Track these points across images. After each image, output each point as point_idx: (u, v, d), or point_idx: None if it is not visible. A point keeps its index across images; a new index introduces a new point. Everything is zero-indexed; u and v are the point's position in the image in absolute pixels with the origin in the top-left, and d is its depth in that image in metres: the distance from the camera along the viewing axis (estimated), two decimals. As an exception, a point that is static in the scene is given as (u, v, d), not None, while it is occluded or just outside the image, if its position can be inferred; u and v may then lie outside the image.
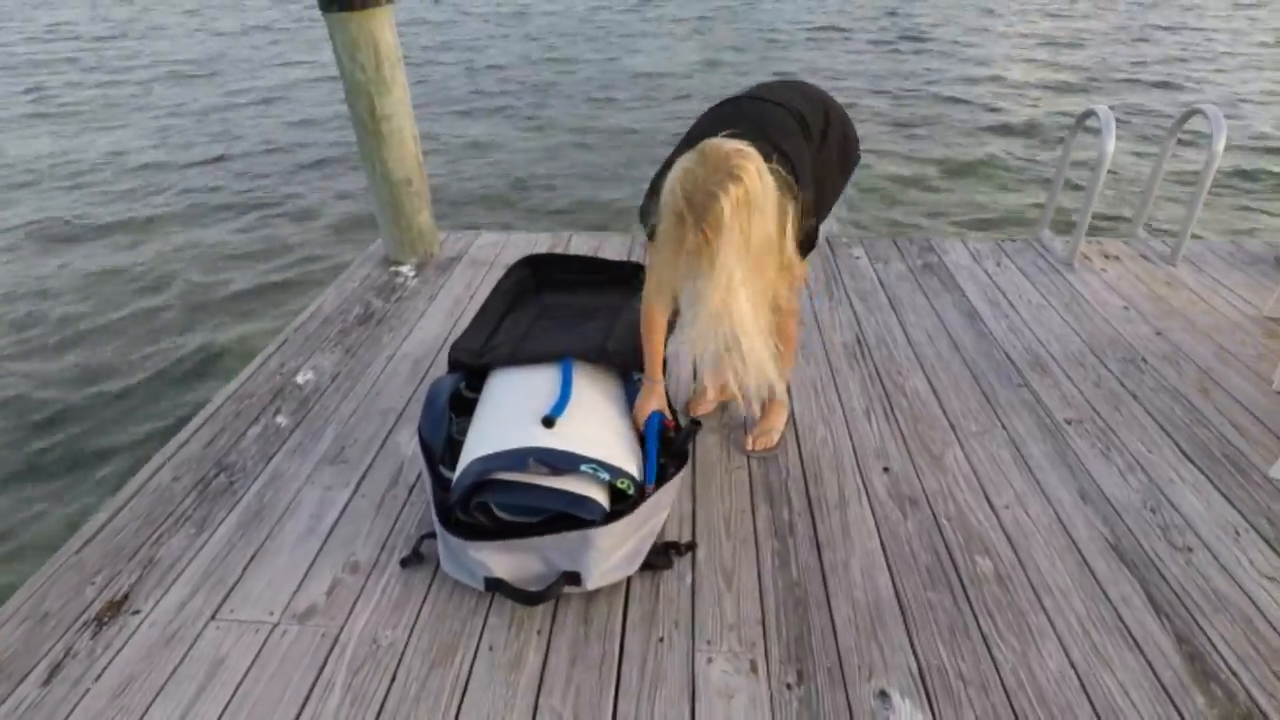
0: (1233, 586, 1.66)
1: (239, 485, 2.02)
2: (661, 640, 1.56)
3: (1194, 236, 3.16)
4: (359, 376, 2.49)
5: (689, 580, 1.71)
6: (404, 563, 1.75)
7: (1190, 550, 1.76)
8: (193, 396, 3.73)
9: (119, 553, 1.81)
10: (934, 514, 1.88)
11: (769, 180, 1.38)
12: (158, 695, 1.47)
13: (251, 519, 1.91)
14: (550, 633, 1.59)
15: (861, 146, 1.89)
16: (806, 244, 1.63)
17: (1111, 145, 2.86)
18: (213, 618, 1.64)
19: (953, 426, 2.19)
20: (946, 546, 1.78)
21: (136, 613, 1.65)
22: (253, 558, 1.79)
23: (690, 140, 1.55)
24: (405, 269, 3.21)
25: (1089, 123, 3.24)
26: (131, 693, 1.48)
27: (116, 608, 1.67)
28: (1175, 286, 2.95)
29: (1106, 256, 3.22)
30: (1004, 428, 2.18)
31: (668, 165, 1.47)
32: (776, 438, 2.12)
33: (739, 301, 1.40)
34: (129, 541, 1.84)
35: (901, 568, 1.73)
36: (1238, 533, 1.80)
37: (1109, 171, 3.33)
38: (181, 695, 1.47)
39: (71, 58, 12.85)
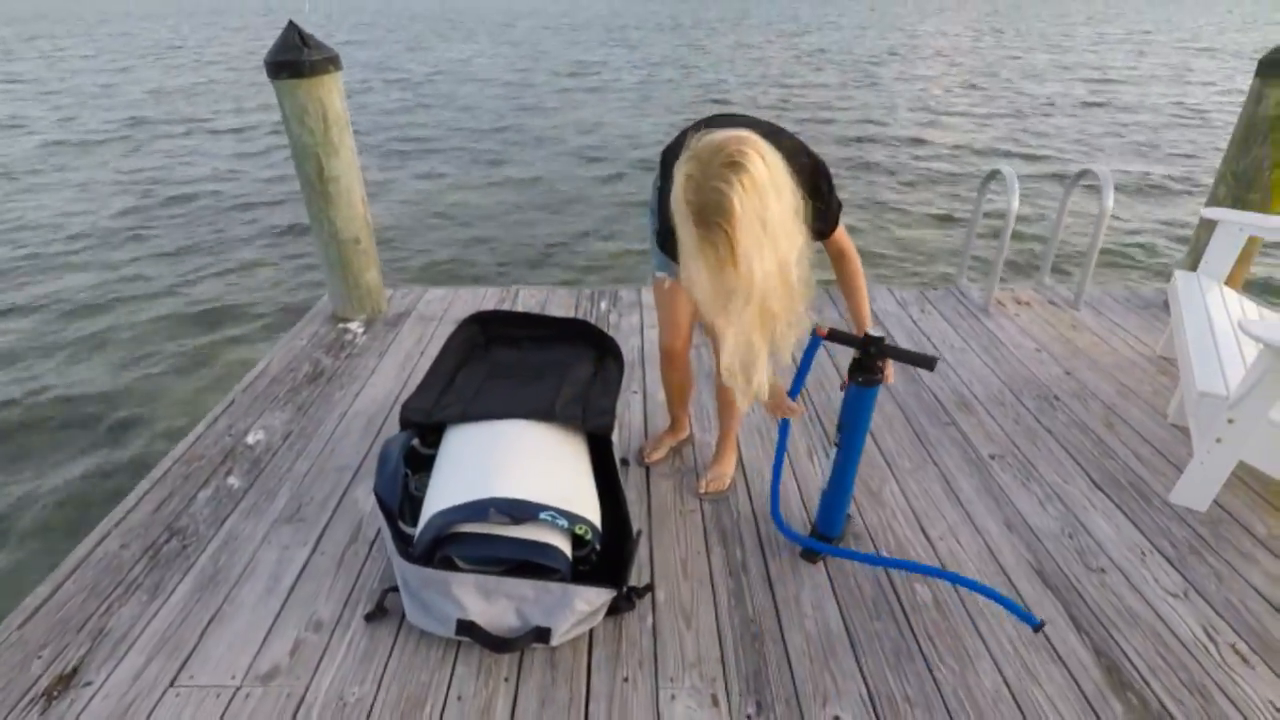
0: (1142, 603, 1.83)
1: (192, 549, 2.00)
2: (626, 680, 1.62)
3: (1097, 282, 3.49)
4: (311, 435, 2.49)
5: (650, 621, 1.77)
6: (368, 617, 1.76)
7: (1104, 571, 1.93)
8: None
9: (65, 625, 1.76)
10: (875, 547, 2.01)
11: (775, 158, 1.31)
12: (115, 768, 1.44)
13: (207, 583, 1.88)
14: (518, 679, 1.63)
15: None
16: (833, 208, 1.66)
17: (1015, 202, 3.16)
18: (171, 684, 1.61)
19: (889, 464, 2.34)
20: (889, 576, 1.91)
21: (89, 684, 1.61)
22: (210, 621, 1.77)
23: (667, 159, 1.56)
24: (354, 325, 3.24)
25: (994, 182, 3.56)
26: (86, 768, 1.44)
27: (66, 681, 1.62)
28: (1079, 329, 3.24)
29: (1019, 302, 3.51)
30: (935, 464, 2.35)
31: (661, 190, 1.50)
32: (727, 481, 2.22)
33: (772, 284, 1.36)
34: (75, 613, 1.79)
35: (848, 599, 1.84)
36: (1144, 554, 1.99)
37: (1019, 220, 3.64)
38: (140, 767, 1.44)
39: None
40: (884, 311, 3.41)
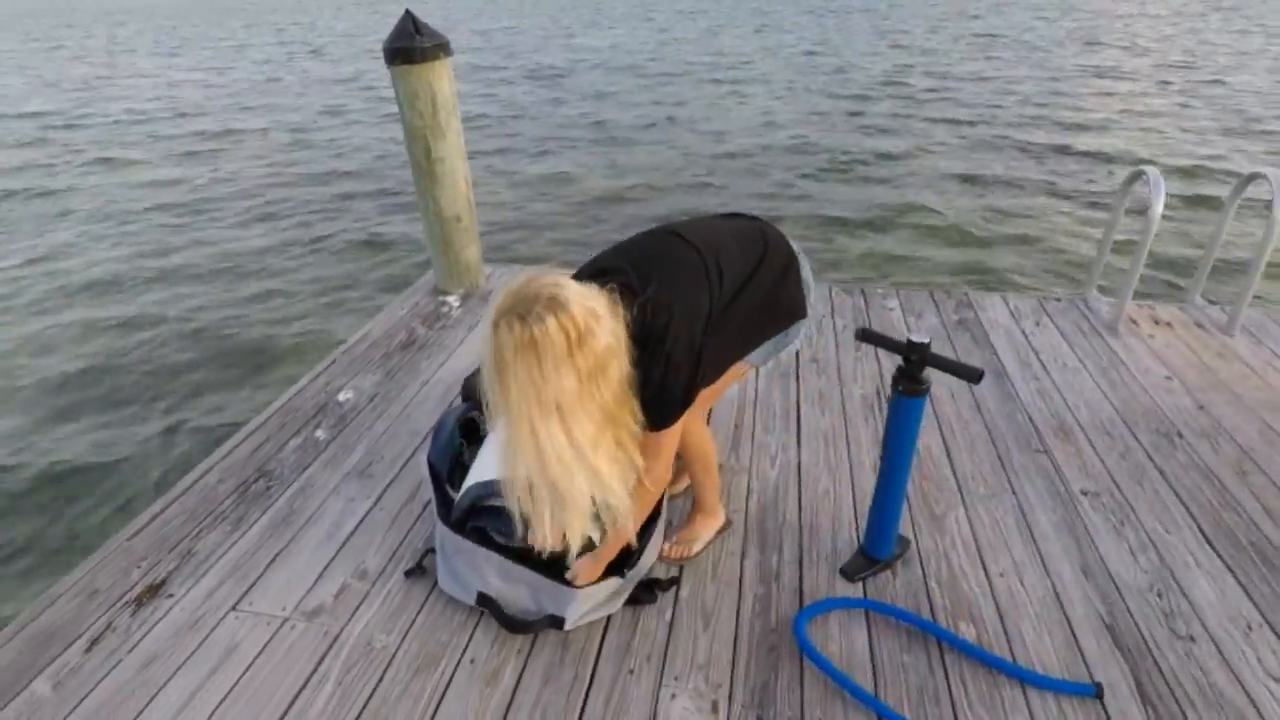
0: (1233, 683, 1.59)
1: (274, 490, 2.21)
2: (631, 672, 1.63)
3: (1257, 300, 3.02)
4: (394, 398, 2.67)
5: (669, 616, 1.76)
6: (408, 574, 1.88)
7: (1193, 640, 1.69)
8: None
9: (163, 543, 2.02)
10: (924, 575, 1.87)
11: (593, 338, 1.21)
12: (176, 672, 1.64)
13: (280, 522, 2.09)
14: (529, 653, 1.68)
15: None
16: (658, 405, 1.40)
17: (1159, 208, 2.78)
18: (233, 608, 1.81)
19: (960, 488, 2.17)
20: (931, 609, 1.78)
21: (170, 596, 1.84)
22: (276, 557, 1.96)
23: (582, 269, 1.48)
24: (451, 299, 3.42)
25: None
26: (155, 668, 1.65)
27: (154, 591, 1.86)
28: (1227, 358, 2.82)
29: (1156, 322, 3.10)
30: (1014, 493, 2.14)
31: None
32: (697, 548, 1.94)
33: (536, 450, 1.25)
34: (173, 533, 2.05)
35: (881, 625, 1.73)
36: (1250, 627, 1.72)
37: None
38: (196, 675, 1.63)
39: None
40: (992, 322, 3.14)
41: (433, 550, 1.90)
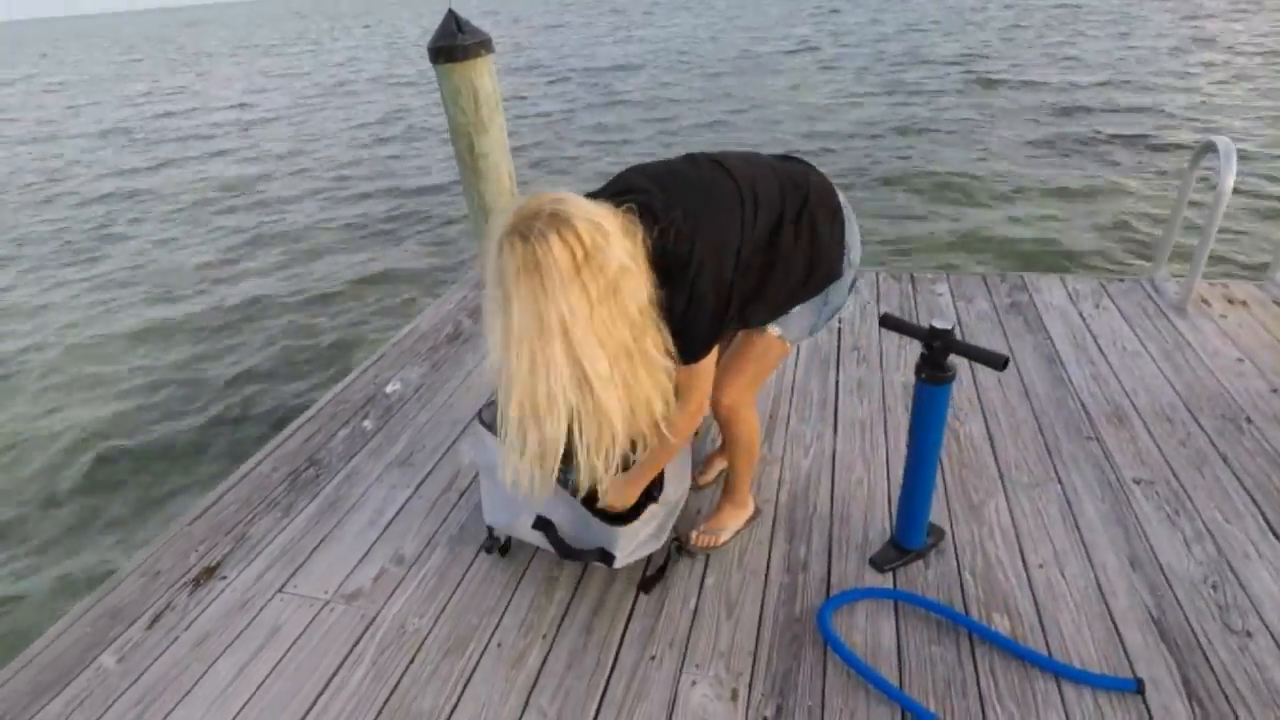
0: (1292, 680, 1.49)
1: (323, 479, 2.32)
2: (654, 658, 1.64)
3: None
4: (438, 389, 2.76)
5: (693, 604, 1.77)
6: (487, 549, 1.96)
7: (1249, 635, 1.59)
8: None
9: (220, 527, 2.15)
10: (959, 565, 1.82)
11: (602, 256, 1.14)
12: (225, 650, 1.74)
13: (327, 509, 2.19)
14: (554, 638, 1.71)
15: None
16: (682, 338, 1.32)
17: (1231, 181, 2.60)
18: (280, 590, 1.91)
19: (1001, 476, 2.09)
20: (964, 600, 1.72)
21: (224, 578, 1.96)
22: (321, 541, 2.06)
23: (603, 187, 1.41)
24: (496, 292, 3.49)
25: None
26: (207, 645, 1.76)
27: (210, 573, 1.99)
28: (1310, 338, 2.62)
29: (1230, 301, 2.90)
30: (1059, 482, 2.05)
31: None
32: (724, 538, 1.91)
33: (530, 380, 1.18)
34: (229, 519, 2.18)
35: (910, 615, 1.69)
36: (1315, 621, 1.60)
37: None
38: (244, 652, 1.74)
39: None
40: (1047, 305, 3.00)
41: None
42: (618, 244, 1.16)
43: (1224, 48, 12.34)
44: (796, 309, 1.57)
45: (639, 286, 1.20)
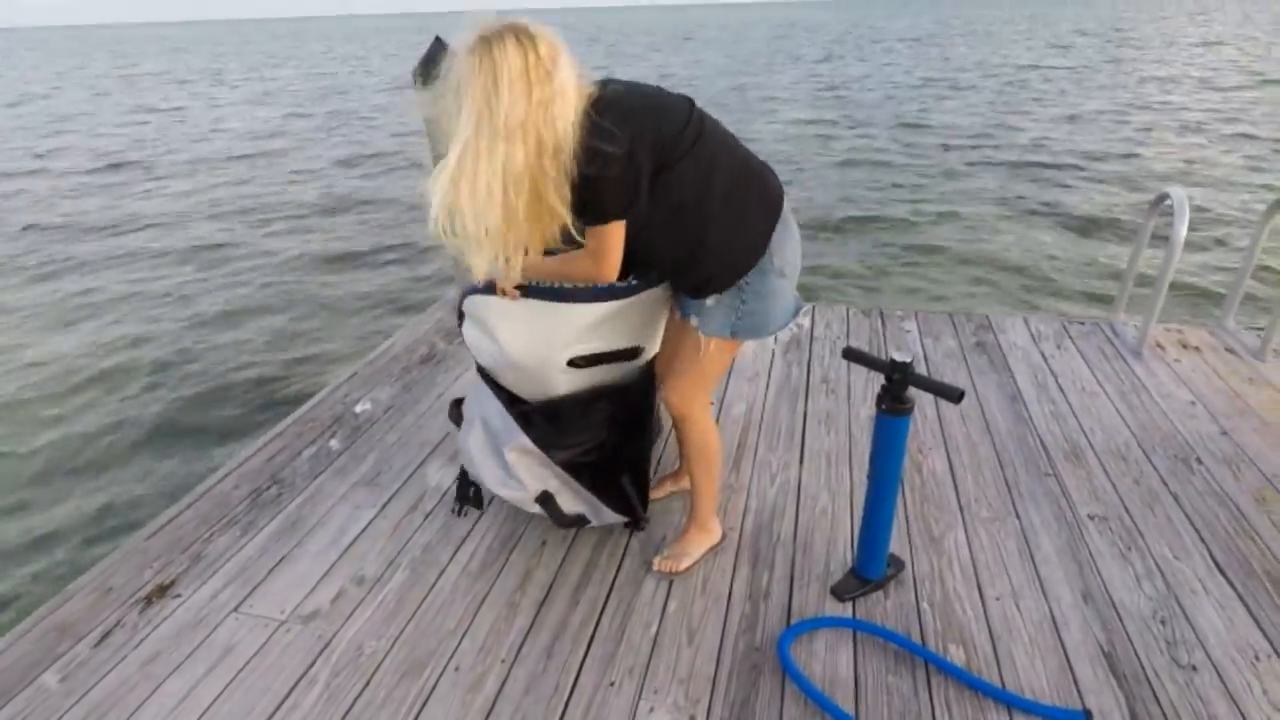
0: (1234, 714, 1.52)
1: (285, 497, 2.29)
2: (613, 684, 1.63)
3: (1291, 331, 2.90)
4: (408, 410, 2.75)
5: (654, 630, 1.77)
6: (457, 512, 2.09)
7: (1195, 670, 1.62)
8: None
9: (177, 544, 2.10)
10: (917, 596, 1.84)
11: (553, 69, 1.27)
12: (175, 670, 1.70)
13: (288, 528, 2.16)
14: (514, 662, 1.70)
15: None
16: (587, 197, 1.38)
17: (1183, 232, 2.71)
18: (235, 610, 1.87)
19: (962, 509, 2.13)
20: (922, 631, 1.74)
21: (178, 597, 1.92)
22: (280, 561, 2.03)
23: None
24: (472, 315, 3.50)
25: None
26: (157, 664, 1.72)
27: (164, 590, 1.94)
28: (1258, 384, 2.72)
29: (1185, 346, 3.01)
30: (1018, 516, 2.10)
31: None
32: (685, 564, 1.92)
33: (472, 174, 1.28)
34: (186, 535, 2.14)
35: (868, 645, 1.71)
36: (1258, 658, 1.64)
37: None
38: (194, 673, 1.69)
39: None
40: (1011, 344, 3.09)
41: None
42: (568, 73, 1.30)
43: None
44: (710, 300, 1.63)
45: (567, 113, 1.30)
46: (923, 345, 3.12)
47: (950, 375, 2.86)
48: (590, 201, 1.40)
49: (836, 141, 11.64)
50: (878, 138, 11.82)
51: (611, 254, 1.49)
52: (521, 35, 1.25)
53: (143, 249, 7.63)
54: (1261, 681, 1.59)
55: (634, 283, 1.69)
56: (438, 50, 3.10)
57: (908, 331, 3.25)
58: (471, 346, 1.88)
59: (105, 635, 1.81)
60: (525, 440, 1.82)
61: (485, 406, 1.95)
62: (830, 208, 8.00)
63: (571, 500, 1.93)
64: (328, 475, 2.40)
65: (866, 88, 17.87)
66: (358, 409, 2.77)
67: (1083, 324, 3.27)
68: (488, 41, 1.24)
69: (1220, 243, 6.23)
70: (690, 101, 1.51)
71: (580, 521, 1.96)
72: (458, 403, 2.16)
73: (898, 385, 1.55)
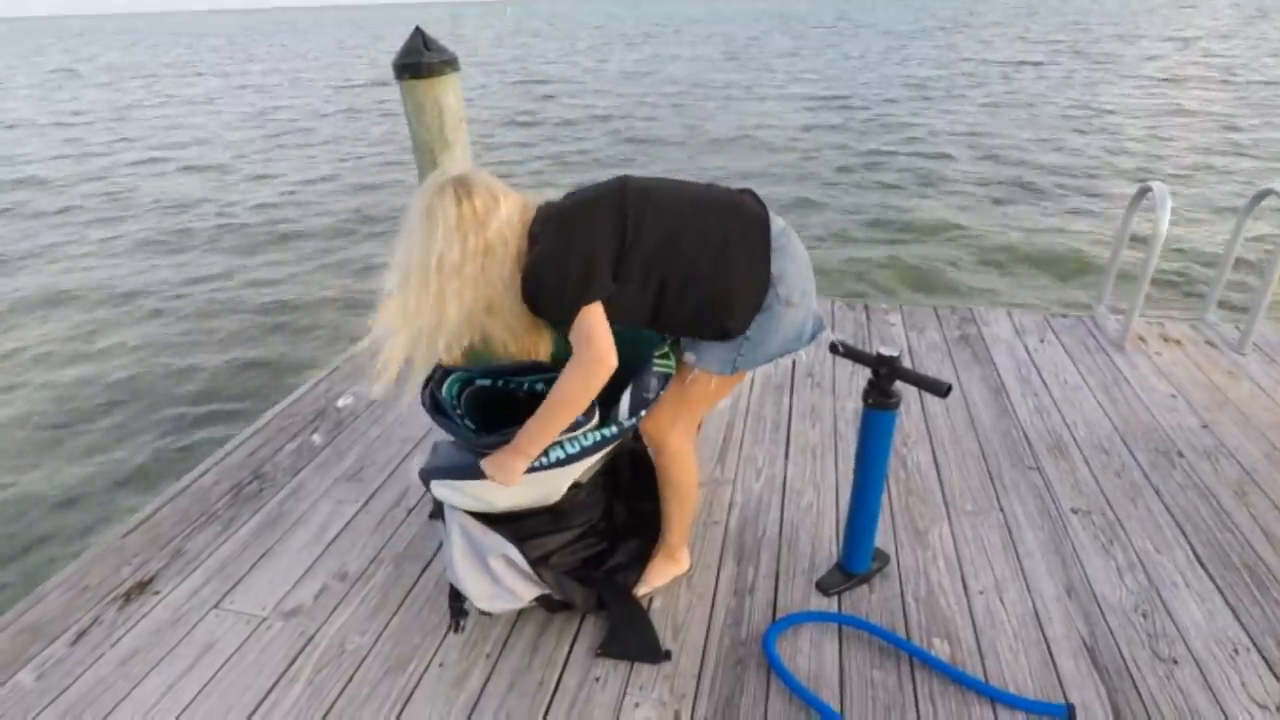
0: (1214, 708, 1.54)
1: (267, 493, 2.26)
2: (597, 680, 1.63)
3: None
4: (391, 405, 2.72)
5: (639, 626, 1.76)
6: (454, 628, 1.77)
7: (1175, 663, 1.64)
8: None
9: (155, 541, 2.07)
10: (902, 590, 1.85)
11: (487, 220, 1.41)
12: (153, 668, 1.68)
13: (270, 523, 2.13)
14: (498, 658, 1.69)
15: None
16: (543, 307, 1.45)
17: (1165, 224, 2.73)
18: (215, 606, 1.85)
19: (946, 503, 2.14)
20: (907, 625, 1.75)
21: (157, 594, 1.89)
22: (262, 557, 2.00)
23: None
24: (457, 308, 3.47)
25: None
26: (134, 662, 1.69)
27: (142, 588, 1.91)
28: (1237, 377, 2.75)
29: (1165, 340, 3.03)
30: (1001, 510, 2.11)
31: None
32: (643, 590, 1.83)
33: (403, 296, 1.44)
34: (165, 532, 2.10)
35: (853, 640, 1.71)
36: (1236, 650, 1.66)
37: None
38: (173, 670, 1.67)
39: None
40: (994, 337, 3.10)
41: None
42: (503, 218, 1.43)
43: (1167, 101, 12.96)
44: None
45: (506, 259, 1.44)
46: (907, 338, 3.13)
47: (935, 368, 2.87)
48: (540, 301, 1.45)
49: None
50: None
51: (596, 340, 1.40)
52: (459, 189, 1.41)
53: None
54: (1240, 674, 1.61)
55: (642, 413, 1.57)
56: (417, 43, 3.05)
57: (892, 325, 3.26)
58: (446, 500, 1.66)
59: (82, 633, 1.78)
60: (512, 551, 1.64)
61: (464, 515, 1.69)
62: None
63: (570, 589, 1.73)
64: (310, 470, 2.37)
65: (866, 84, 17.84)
66: (340, 403, 2.74)
67: (1065, 317, 3.29)
68: (432, 193, 1.42)
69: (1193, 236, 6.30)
70: (621, 181, 1.51)
71: (584, 604, 1.75)
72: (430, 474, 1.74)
73: (885, 379, 1.55)
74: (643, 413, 1.58)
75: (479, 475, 1.53)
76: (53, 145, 13.17)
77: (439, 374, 1.64)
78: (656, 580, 1.85)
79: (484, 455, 1.53)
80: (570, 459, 1.54)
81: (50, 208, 8.87)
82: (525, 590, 1.68)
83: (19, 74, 28.10)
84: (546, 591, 1.68)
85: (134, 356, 4.92)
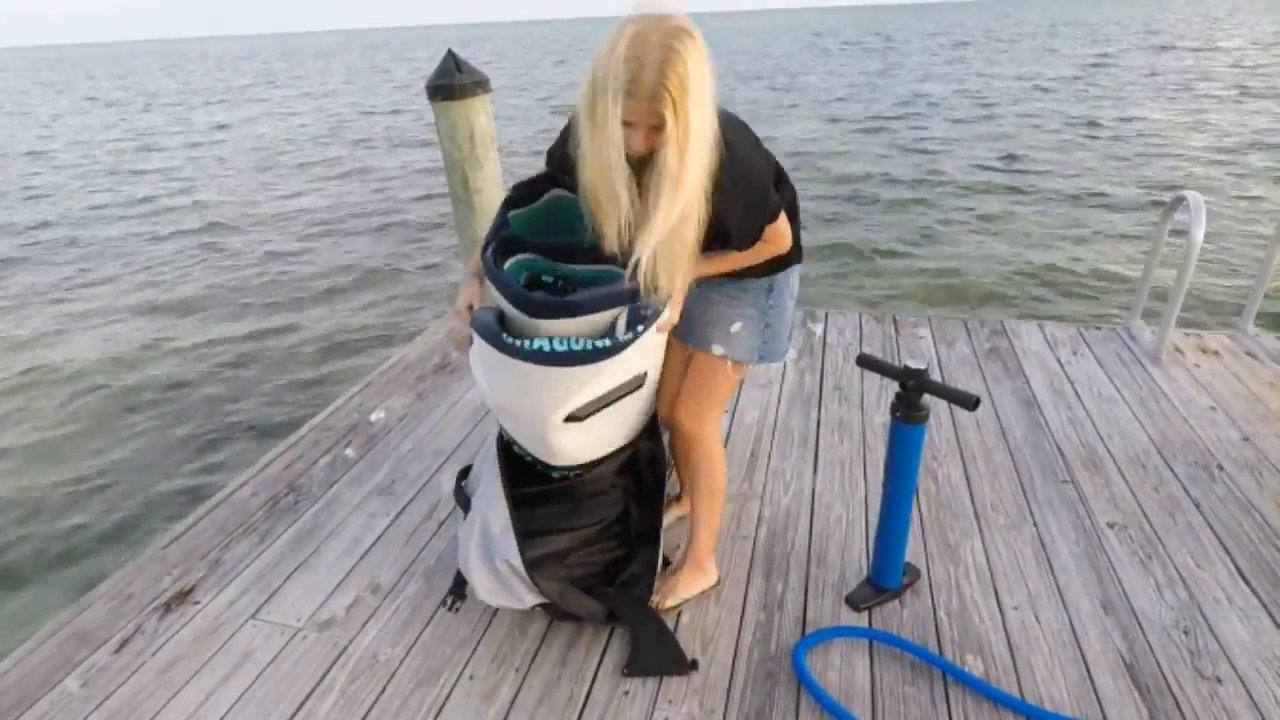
0: (1261, 727, 1.49)
1: (302, 505, 2.31)
2: (627, 693, 1.63)
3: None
4: (423, 418, 2.76)
5: (668, 640, 1.76)
6: (449, 606, 1.85)
7: (1219, 681, 1.59)
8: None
9: (195, 551, 2.13)
10: (934, 605, 1.82)
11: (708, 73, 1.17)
12: (193, 677, 1.72)
13: (305, 535, 2.18)
14: (527, 671, 1.70)
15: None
16: (750, 216, 1.40)
17: (1200, 234, 2.68)
18: (253, 617, 1.89)
19: (978, 517, 2.11)
20: (939, 640, 1.73)
21: (196, 604, 1.94)
22: (297, 568, 2.04)
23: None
24: (485, 324, 3.52)
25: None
26: (174, 671, 1.74)
27: (183, 597, 1.96)
28: (1279, 388, 2.68)
29: (1204, 351, 2.97)
30: (1035, 524, 2.07)
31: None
32: (671, 603, 1.82)
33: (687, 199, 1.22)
34: (205, 543, 2.16)
35: (885, 655, 1.69)
36: (1284, 668, 1.62)
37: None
38: (210, 680, 1.71)
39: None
40: (1025, 350, 3.06)
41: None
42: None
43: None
44: (735, 325, 1.63)
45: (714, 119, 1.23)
46: (936, 351, 3.10)
47: (964, 382, 2.84)
48: (754, 206, 1.38)
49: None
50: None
51: (781, 236, 1.49)
52: (690, 36, 1.14)
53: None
54: (1288, 693, 1.56)
55: (639, 329, 1.43)
56: (449, 65, 3.13)
57: (921, 338, 3.23)
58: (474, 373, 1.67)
59: (125, 642, 1.83)
60: (518, 561, 1.65)
61: (489, 508, 1.73)
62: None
63: (576, 601, 1.73)
64: (343, 483, 2.41)
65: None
66: (373, 417, 2.79)
67: (1099, 329, 3.23)
68: (691, 34, 1.14)
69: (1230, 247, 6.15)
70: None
71: (591, 618, 1.74)
72: (464, 472, 1.96)
73: (912, 393, 1.54)
74: (640, 329, 1.42)
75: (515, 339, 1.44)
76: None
77: (498, 244, 1.57)
78: (685, 593, 1.85)
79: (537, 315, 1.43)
80: (557, 358, 1.41)
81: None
82: (528, 596, 1.69)
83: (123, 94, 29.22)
84: (550, 599, 1.69)
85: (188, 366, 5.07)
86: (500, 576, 1.68)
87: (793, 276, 1.67)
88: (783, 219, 1.47)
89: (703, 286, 1.62)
